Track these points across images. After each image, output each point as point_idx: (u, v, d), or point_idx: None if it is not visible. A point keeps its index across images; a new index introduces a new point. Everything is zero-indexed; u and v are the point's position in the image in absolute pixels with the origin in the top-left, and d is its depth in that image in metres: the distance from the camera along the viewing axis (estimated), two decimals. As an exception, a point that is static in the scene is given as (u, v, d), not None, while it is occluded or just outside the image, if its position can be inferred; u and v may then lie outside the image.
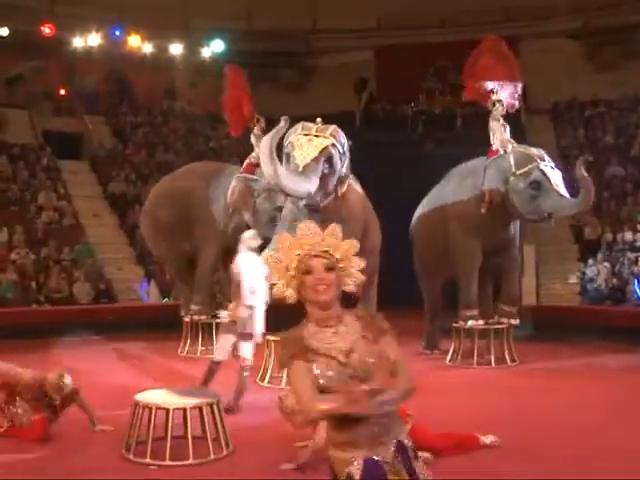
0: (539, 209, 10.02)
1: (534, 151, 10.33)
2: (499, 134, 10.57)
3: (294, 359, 2.76)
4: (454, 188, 10.68)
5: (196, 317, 10.94)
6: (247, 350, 7.14)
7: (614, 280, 13.57)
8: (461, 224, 10.36)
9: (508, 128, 10.74)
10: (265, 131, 10.77)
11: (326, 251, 2.92)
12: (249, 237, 7.47)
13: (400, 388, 2.75)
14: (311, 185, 7.97)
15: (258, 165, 10.41)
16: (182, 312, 11.34)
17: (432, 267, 11.00)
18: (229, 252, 9.60)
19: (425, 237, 10.96)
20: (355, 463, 2.74)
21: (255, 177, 10.55)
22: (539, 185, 9.90)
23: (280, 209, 9.86)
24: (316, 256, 2.87)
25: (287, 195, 8.21)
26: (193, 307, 11.03)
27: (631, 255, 13.97)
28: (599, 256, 14.32)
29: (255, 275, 7.05)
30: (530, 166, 10.01)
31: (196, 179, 11.57)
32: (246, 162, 10.95)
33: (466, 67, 11.13)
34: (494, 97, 10.71)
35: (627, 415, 7.00)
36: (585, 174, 9.90)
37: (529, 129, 19.08)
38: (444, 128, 19.49)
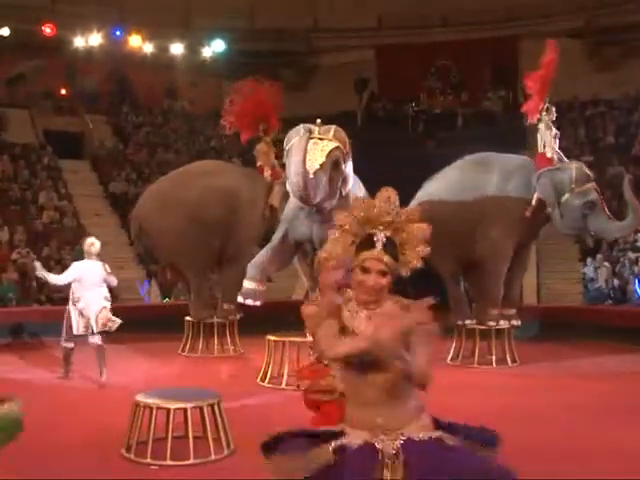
0: (584, 228, 9.97)
1: (586, 169, 10.17)
2: (550, 142, 10.36)
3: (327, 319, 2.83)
4: (499, 182, 10.31)
5: (232, 317, 10.87)
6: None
7: (615, 280, 13.57)
8: (504, 221, 10.08)
9: (558, 136, 10.51)
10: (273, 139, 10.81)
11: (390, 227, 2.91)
12: (88, 244, 8.52)
13: (416, 363, 2.84)
14: (322, 192, 8.07)
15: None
16: (205, 313, 10.99)
17: (447, 248, 10.60)
18: None
19: (452, 219, 10.14)
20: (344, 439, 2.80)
21: None
22: (593, 206, 9.79)
23: None
24: (377, 260, 2.86)
25: (304, 203, 8.22)
26: (226, 307, 10.93)
27: (632, 255, 13.97)
28: (598, 257, 14.31)
29: (88, 280, 8.32)
30: (589, 185, 9.86)
31: (239, 180, 11.29)
32: (273, 168, 10.67)
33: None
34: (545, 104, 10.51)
35: (627, 415, 7.00)
36: (632, 196, 9.74)
37: (529, 129, 19.06)
38: (445, 127, 19.50)
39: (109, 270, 8.61)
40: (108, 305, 8.53)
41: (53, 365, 9.79)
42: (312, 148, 8.04)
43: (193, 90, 22.43)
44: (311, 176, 7.91)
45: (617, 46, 20.34)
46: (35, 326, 12.04)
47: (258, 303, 8.71)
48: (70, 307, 8.52)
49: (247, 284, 8.66)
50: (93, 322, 8.35)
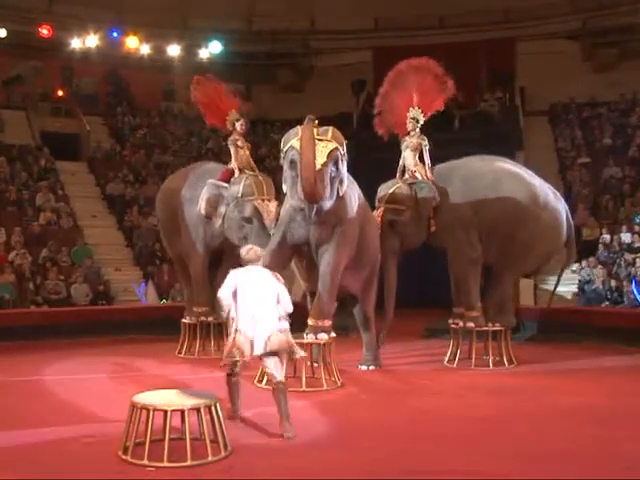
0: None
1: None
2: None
3: None
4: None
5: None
6: None
7: (612, 282, 13.59)
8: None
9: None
10: (245, 135, 10.83)
11: None
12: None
13: None
14: (326, 192, 8.10)
15: (234, 173, 10.52)
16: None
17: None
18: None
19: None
20: None
21: (225, 185, 10.42)
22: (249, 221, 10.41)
23: (248, 220, 9.93)
24: None
25: (311, 200, 8.16)
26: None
27: (628, 256, 13.98)
28: (591, 259, 14.33)
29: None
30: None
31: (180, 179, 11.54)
32: (225, 168, 10.85)
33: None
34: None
35: (626, 417, 7.01)
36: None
37: (526, 130, 19.12)
38: (442, 129, 19.46)
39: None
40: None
41: (51, 366, 9.79)
42: None
43: (190, 91, 22.38)
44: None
45: (614, 48, 20.35)
46: (32, 328, 12.02)
47: None
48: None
49: None
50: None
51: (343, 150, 8.31)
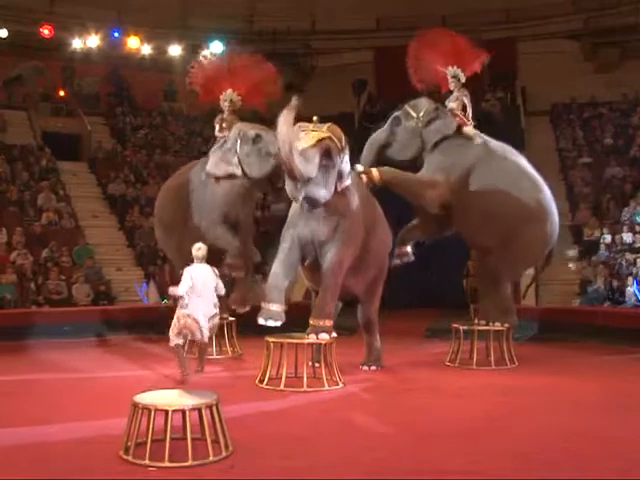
0: None
1: None
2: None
3: None
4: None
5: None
6: None
7: (613, 282, 13.58)
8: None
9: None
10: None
11: None
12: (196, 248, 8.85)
13: None
14: (311, 168, 8.01)
15: None
16: None
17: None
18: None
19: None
20: None
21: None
22: None
23: (257, 137, 10.38)
24: None
25: (292, 178, 8.13)
26: None
27: (630, 256, 13.98)
28: (593, 259, 14.33)
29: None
30: None
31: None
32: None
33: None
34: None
35: (627, 417, 7.01)
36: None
37: (528, 130, 19.12)
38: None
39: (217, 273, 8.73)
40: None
41: (52, 366, 9.80)
42: (304, 137, 8.07)
43: (191, 92, 22.39)
44: (299, 151, 7.94)
45: (615, 48, 20.37)
46: (33, 328, 12.03)
47: (279, 324, 8.56)
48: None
49: (270, 306, 8.42)
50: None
51: (340, 144, 8.26)
